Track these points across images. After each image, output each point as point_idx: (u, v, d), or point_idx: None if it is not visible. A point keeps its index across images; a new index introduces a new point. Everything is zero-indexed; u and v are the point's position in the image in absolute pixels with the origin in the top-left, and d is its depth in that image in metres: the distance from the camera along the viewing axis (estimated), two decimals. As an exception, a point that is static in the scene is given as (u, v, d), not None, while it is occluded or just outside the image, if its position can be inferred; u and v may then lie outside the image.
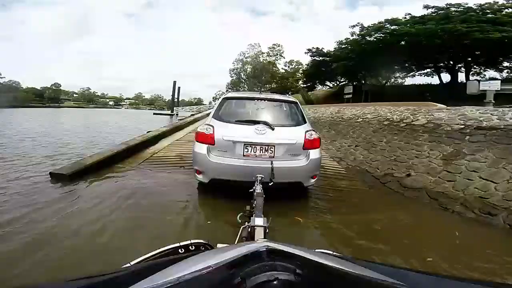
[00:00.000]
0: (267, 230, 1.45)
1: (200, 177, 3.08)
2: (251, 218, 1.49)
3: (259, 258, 0.51)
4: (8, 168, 4.42)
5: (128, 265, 0.76)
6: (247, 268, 0.43)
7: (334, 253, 0.83)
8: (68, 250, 2.05)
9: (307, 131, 3.10)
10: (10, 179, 3.80)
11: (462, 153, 3.97)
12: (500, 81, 9.89)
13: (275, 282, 0.39)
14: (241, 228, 1.62)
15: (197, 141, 3.06)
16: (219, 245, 1.27)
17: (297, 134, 3.05)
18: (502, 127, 4.03)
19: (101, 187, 3.57)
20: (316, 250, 0.86)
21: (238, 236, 1.59)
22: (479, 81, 10.17)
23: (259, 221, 1.42)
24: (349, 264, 0.58)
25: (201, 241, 0.96)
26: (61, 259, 1.93)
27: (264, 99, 3.45)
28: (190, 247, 0.93)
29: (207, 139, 2.98)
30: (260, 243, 0.64)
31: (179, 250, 0.91)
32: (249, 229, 1.49)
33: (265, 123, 3.03)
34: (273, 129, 2.99)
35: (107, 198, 3.13)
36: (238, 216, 1.82)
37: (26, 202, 2.90)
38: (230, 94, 3.74)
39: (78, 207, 2.85)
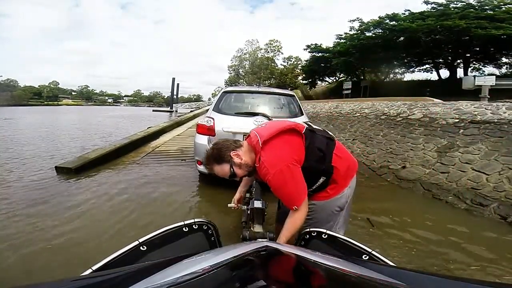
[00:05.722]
0: (266, 213, 1.55)
1: (201, 167, 3.17)
2: (250, 201, 1.59)
3: (259, 259, 0.52)
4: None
5: (136, 242, 0.81)
6: (247, 271, 0.44)
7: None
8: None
9: (304, 122, 3.19)
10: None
11: (456, 145, 4.07)
12: (495, 76, 9.96)
13: (274, 286, 0.39)
14: (242, 212, 1.72)
15: (198, 133, 3.16)
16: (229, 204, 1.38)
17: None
18: (495, 120, 4.12)
19: (107, 178, 3.70)
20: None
21: (244, 217, 1.68)
22: (474, 76, 10.25)
23: (258, 203, 1.51)
24: (349, 264, 0.59)
25: (204, 220, 1.00)
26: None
27: (263, 93, 3.55)
28: (193, 225, 0.97)
29: (207, 130, 3.08)
30: (260, 243, 0.66)
31: (183, 229, 0.94)
32: (249, 212, 1.59)
33: (264, 115, 3.13)
34: (271, 121, 3.08)
35: (112, 187, 3.30)
36: None
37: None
38: (229, 88, 3.85)
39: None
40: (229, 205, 1.56)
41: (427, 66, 22.64)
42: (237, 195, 1.58)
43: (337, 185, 1.29)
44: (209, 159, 1.24)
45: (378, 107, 6.99)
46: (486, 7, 15.41)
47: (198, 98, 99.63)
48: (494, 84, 8.72)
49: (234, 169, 1.21)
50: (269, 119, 3.09)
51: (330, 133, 1.38)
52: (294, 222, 1.14)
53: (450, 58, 19.90)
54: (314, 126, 1.34)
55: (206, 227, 1.00)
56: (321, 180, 1.25)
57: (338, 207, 1.34)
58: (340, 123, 7.54)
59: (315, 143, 1.22)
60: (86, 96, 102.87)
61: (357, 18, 21.05)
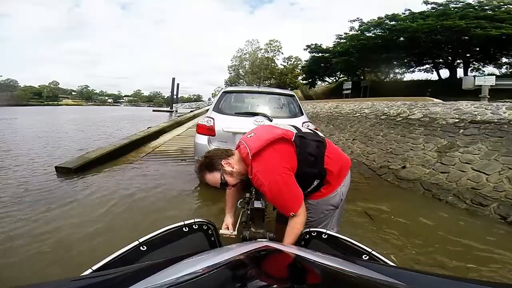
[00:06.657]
0: (266, 213, 1.55)
1: None
2: (251, 201, 1.59)
3: (259, 259, 0.52)
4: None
5: (136, 242, 0.82)
6: (247, 271, 0.44)
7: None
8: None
9: (304, 122, 3.18)
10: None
11: (456, 145, 4.06)
12: (495, 76, 9.98)
13: (275, 286, 0.39)
14: (241, 212, 1.72)
15: (198, 133, 3.16)
16: (221, 231, 1.29)
17: (294, 125, 3.14)
18: (495, 120, 4.11)
19: (107, 178, 3.69)
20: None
21: (239, 221, 1.68)
22: (474, 76, 10.27)
23: (257, 203, 1.51)
24: (349, 264, 0.60)
25: (204, 220, 1.02)
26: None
27: (263, 93, 3.55)
28: (193, 225, 0.98)
29: (207, 130, 3.08)
30: (259, 243, 0.66)
31: (183, 229, 0.95)
32: (249, 212, 1.59)
33: (264, 115, 3.13)
34: (271, 121, 3.06)
35: (112, 187, 3.28)
36: (238, 202, 1.92)
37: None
38: (229, 88, 3.85)
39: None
40: (221, 231, 1.31)
41: (427, 66, 22.68)
42: (228, 220, 1.45)
43: (330, 185, 1.31)
44: (201, 167, 1.26)
45: (378, 107, 6.99)
46: (486, 7, 15.43)
47: (198, 98, 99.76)
48: (494, 84, 8.73)
49: (225, 177, 1.22)
50: (269, 119, 3.09)
51: (321, 135, 1.39)
52: (293, 228, 1.14)
53: (450, 58, 19.93)
54: (303, 130, 1.35)
55: (206, 227, 1.00)
56: (315, 183, 1.27)
57: (332, 205, 1.35)
58: (340, 123, 7.54)
59: (306, 148, 1.23)
60: (86, 96, 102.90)
61: (357, 18, 21.09)
